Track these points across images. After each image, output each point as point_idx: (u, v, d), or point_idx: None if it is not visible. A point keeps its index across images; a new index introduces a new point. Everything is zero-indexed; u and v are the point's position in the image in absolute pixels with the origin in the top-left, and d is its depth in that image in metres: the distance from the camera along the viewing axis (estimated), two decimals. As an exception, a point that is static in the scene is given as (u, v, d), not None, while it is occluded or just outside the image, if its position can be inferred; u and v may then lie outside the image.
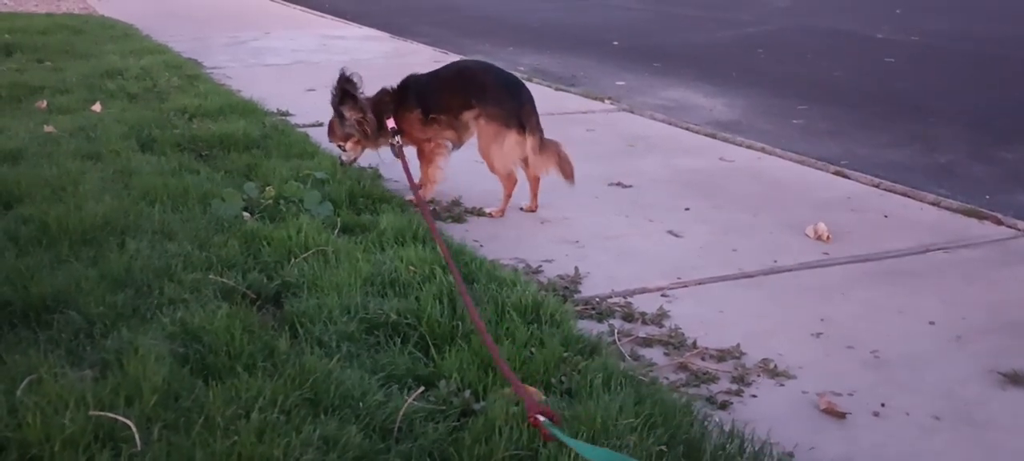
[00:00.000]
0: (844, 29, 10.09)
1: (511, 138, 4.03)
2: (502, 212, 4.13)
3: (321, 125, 5.65)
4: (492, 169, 4.14)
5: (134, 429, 2.06)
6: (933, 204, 4.33)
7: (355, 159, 4.38)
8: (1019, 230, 3.96)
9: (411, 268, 3.09)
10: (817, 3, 12.03)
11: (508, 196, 4.16)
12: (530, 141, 4.05)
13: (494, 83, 4.16)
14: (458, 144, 4.25)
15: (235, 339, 2.49)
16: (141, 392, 2.21)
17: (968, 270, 3.57)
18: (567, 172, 4.15)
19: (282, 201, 3.86)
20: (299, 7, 12.67)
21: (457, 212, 4.11)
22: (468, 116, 4.12)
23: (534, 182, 4.20)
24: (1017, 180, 4.93)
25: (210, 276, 3.00)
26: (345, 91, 4.21)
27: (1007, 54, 8.50)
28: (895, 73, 7.96)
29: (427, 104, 4.16)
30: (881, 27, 9.81)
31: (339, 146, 4.36)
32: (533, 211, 4.19)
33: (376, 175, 4.45)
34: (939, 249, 3.77)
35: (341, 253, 3.27)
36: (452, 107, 4.13)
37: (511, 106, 4.05)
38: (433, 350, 2.59)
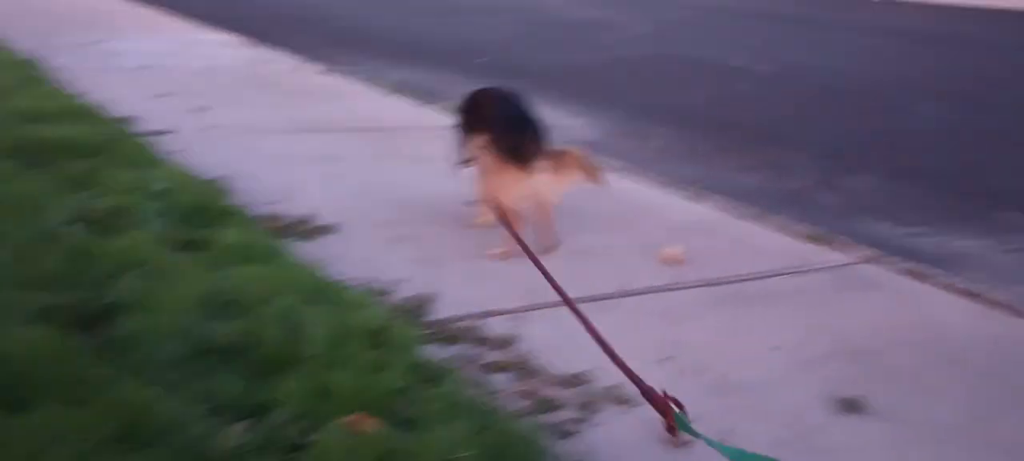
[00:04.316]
0: (703, 57, 10.39)
1: (511, 172, 3.77)
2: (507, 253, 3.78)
3: (169, 132, 5.39)
4: (491, 204, 3.84)
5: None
6: (781, 230, 4.44)
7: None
8: (861, 257, 4.09)
9: (252, 287, 2.93)
10: (678, 31, 12.35)
11: (513, 234, 3.80)
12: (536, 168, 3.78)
13: (501, 112, 3.93)
14: None
15: (43, 366, 2.28)
16: (-71, 425, 1.99)
17: (812, 295, 3.66)
18: (592, 175, 3.94)
19: (119, 212, 3.61)
20: (159, 10, 12.13)
21: (305, 228, 3.94)
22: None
23: (542, 215, 3.89)
24: (860, 208, 5.13)
25: (26, 294, 2.76)
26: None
27: (853, 87, 8.91)
28: (750, 101, 8.22)
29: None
30: (737, 56, 10.13)
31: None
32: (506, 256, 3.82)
33: (224, 187, 4.24)
34: (786, 274, 3.85)
35: (177, 270, 3.07)
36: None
37: (514, 137, 3.80)
38: (268, 376, 2.44)
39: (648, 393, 1.98)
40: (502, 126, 3.89)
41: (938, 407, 2.80)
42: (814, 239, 4.28)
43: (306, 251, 3.63)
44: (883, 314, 3.50)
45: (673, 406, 1.92)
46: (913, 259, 4.12)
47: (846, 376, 2.94)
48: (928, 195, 5.38)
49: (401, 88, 7.64)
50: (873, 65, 10.25)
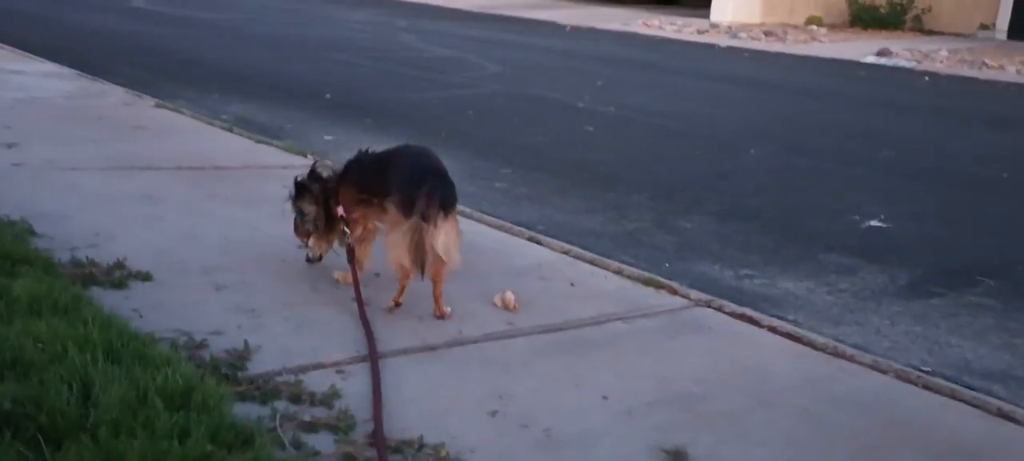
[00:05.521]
0: (549, 97, 10.51)
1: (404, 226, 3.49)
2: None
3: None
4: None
5: None
6: (616, 272, 4.45)
7: (320, 256, 3.97)
8: (691, 300, 4.14)
9: (41, 344, 2.68)
10: (527, 72, 12.48)
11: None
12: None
13: (405, 165, 3.74)
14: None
15: None
16: None
17: (643, 340, 3.66)
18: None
19: None
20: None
21: (118, 277, 3.68)
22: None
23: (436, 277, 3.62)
24: (693, 249, 5.23)
25: None
26: (299, 183, 3.86)
27: (691, 130, 9.19)
28: (593, 142, 8.34)
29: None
30: (583, 97, 10.30)
31: (302, 243, 3.97)
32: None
33: (26, 230, 3.92)
34: (618, 319, 3.84)
35: (-43, 326, 2.78)
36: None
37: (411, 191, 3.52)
38: (48, 447, 2.21)
39: None
40: (406, 180, 3.65)
41: (757, 451, 2.82)
42: (648, 283, 4.30)
43: (114, 302, 3.38)
44: (711, 358, 3.53)
45: None
46: (741, 301, 4.21)
47: (672, 424, 2.93)
48: (757, 237, 5.54)
49: (239, 124, 7.36)
50: (711, 109, 10.62)
